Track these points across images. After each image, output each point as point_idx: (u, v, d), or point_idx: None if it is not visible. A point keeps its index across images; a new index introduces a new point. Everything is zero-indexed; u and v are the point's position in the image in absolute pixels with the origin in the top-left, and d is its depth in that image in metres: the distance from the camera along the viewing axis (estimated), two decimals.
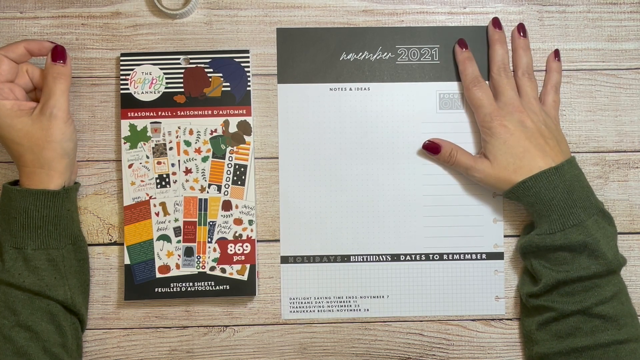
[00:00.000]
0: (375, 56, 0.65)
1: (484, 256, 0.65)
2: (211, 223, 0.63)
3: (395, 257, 0.64)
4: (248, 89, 0.64)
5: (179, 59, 0.64)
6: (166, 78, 0.63)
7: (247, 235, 0.63)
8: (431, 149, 0.63)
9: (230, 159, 0.63)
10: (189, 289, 0.63)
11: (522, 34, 0.64)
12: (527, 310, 0.62)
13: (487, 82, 0.63)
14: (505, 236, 0.65)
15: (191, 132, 0.63)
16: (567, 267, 0.57)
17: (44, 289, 0.57)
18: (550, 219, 0.58)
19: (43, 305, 0.57)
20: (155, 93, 0.63)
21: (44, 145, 0.57)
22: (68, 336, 0.58)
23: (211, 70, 0.63)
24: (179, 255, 0.63)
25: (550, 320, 0.59)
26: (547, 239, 0.58)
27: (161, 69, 0.63)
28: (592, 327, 0.57)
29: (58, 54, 0.58)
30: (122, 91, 0.63)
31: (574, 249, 0.57)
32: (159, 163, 0.63)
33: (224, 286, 0.63)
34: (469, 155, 0.63)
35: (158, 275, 0.63)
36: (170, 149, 0.63)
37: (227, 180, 0.63)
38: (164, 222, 0.63)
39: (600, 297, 0.57)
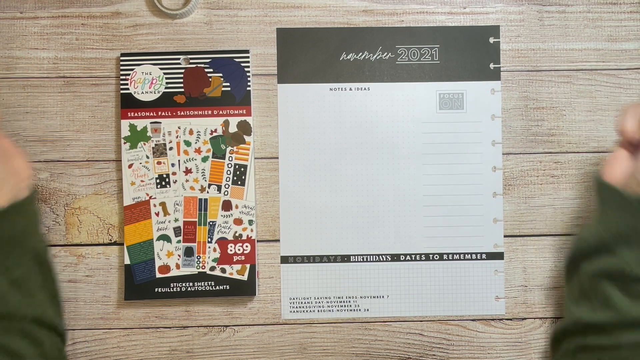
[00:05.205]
0: (375, 56, 0.65)
1: (484, 256, 0.65)
2: (211, 223, 0.63)
3: (395, 257, 0.64)
4: (248, 89, 0.64)
5: (179, 59, 0.64)
6: (166, 78, 0.63)
7: (247, 235, 0.63)
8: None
9: (230, 159, 0.63)
10: (189, 289, 0.63)
11: None
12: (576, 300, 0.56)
13: None
14: (505, 236, 0.65)
15: (191, 132, 0.63)
16: None
17: (12, 311, 0.53)
18: None
19: (15, 326, 0.53)
20: (155, 93, 0.63)
21: None
22: (45, 344, 0.54)
23: (211, 70, 0.63)
24: (179, 255, 0.63)
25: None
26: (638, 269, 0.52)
27: (161, 69, 0.63)
28: None
29: None
30: (122, 91, 0.63)
31: None
32: (159, 163, 0.63)
33: (224, 286, 0.63)
34: None
35: (158, 275, 0.63)
36: (170, 149, 0.63)
37: (227, 180, 0.63)
38: (164, 222, 0.63)
39: None
